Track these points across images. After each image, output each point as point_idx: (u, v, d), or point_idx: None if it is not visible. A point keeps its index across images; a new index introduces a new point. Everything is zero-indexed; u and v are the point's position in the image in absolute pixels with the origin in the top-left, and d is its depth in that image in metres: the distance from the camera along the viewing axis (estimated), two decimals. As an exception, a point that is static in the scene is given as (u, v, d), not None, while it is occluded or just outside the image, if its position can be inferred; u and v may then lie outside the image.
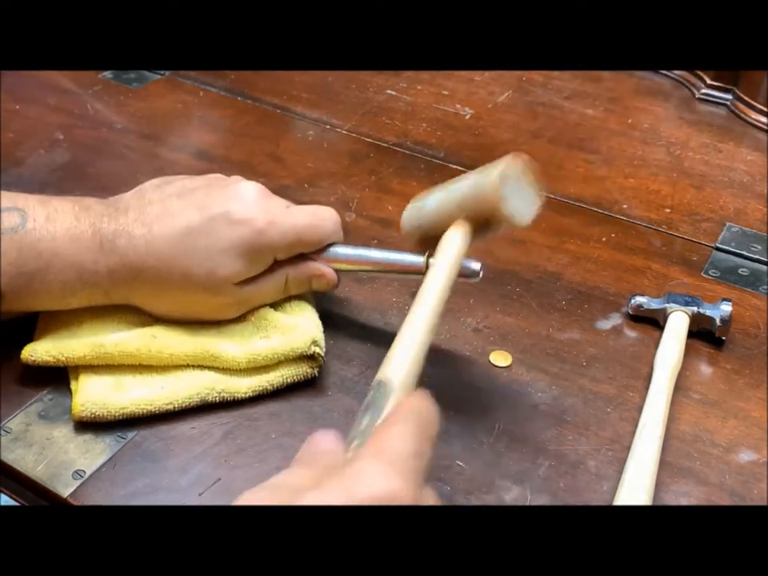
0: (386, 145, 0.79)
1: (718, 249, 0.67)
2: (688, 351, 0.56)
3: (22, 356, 0.50)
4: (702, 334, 0.58)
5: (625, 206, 0.72)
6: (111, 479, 0.47)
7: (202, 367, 0.52)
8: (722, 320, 0.56)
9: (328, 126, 0.83)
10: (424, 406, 0.35)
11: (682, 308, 0.57)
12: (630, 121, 0.85)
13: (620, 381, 0.54)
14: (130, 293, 0.52)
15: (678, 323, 0.57)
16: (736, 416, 0.52)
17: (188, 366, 0.51)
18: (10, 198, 0.50)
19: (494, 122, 0.84)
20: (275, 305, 0.55)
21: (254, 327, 0.53)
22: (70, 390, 0.51)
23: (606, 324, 0.59)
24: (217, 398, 0.51)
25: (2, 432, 0.49)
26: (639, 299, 0.59)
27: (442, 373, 0.54)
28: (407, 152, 0.78)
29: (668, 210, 0.72)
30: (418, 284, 0.46)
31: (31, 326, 0.54)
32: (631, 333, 0.58)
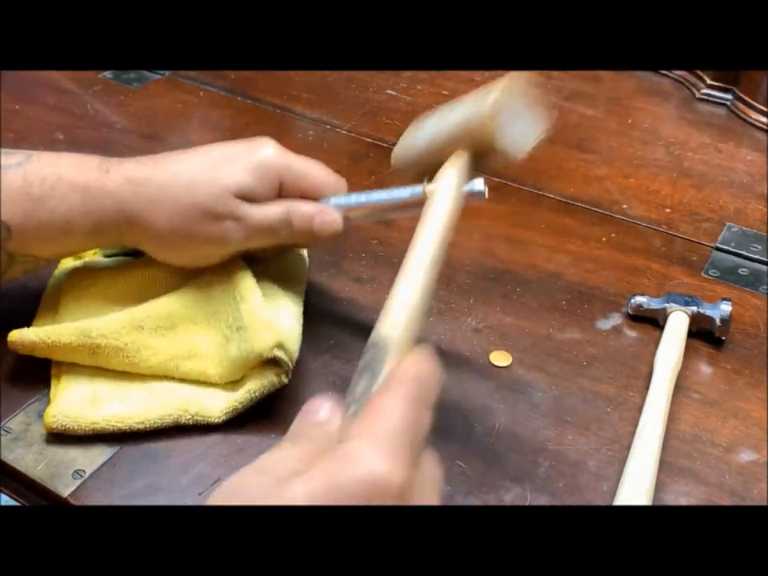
0: (386, 145, 0.79)
1: (718, 249, 0.67)
2: (688, 351, 0.56)
3: (9, 337, 0.51)
4: (702, 333, 0.58)
5: (625, 206, 0.72)
6: (111, 479, 0.47)
7: (177, 380, 0.51)
8: (722, 320, 0.56)
9: (328, 126, 0.83)
10: (422, 367, 0.33)
11: (682, 308, 0.57)
12: (629, 121, 0.85)
13: (620, 381, 0.54)
14: (132, 216, 0.51)
15: (677, 323, 0.57)
16: (736, 416, 0.52)
17: (165, 376, 0.51)
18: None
19: (493, 122, 0.84)
20: (264, 288, 0.53)
21: (236, 307, 0.51)
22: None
23: (605, 324, 0.59)
24: (190, 422, 0.50)
25: (2, 432, 0.49)
26: (639, 299, 0.59)
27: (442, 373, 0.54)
28: (407, 152, 0.78)
29: (668, 210, 0.72)
30: None
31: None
32: (631, 333, 0.58)
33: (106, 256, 0.59)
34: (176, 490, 0.46)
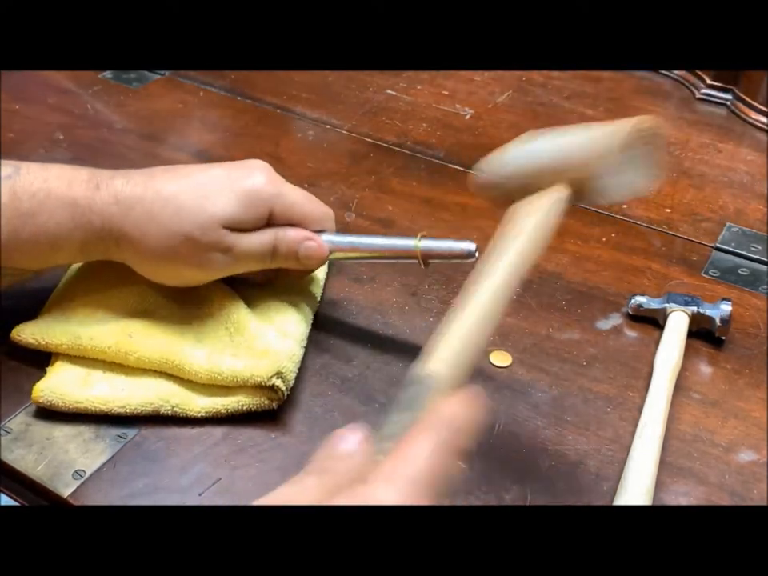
0: (385, 145, 0.79)
1: (717, 249, 0.67)
2: (688, 351, 0.56)
3: (11, 335, 0.52)
4: (702, 333, 0.58)
5: (625, 206, 0.72)
6: (111, 479, 0.47)
7: (167, 375, 0.51)
8: (722, 320, 0.56)
9: (328, 126, 0.83)
10: (461, 412, 0.32)
11: (682, 308, 0.57)
12: (629, 121, 0.85)
13: (620, 381, 0.54)
14: (120, 236, 0.51)
15: (677, 323, 0.57)
16: (736, 416, 0.52)
17: (153, 371, 0.51)
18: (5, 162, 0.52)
19: (493, 122, 0.84)
20: (263, 314, 0.54)
21: (229, 339, 0.52)
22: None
23: (605, 324, 0.59)
24: (169, 412, 0.50)
25: (2, 432, 0.49)
26: (639, 299, 0.59)
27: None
28: (407, 152, 0.78)
29: (668, 210, 0.72)
30: (420, 271, 0.42)
31: (31, 325, 0.54)
32: (631, 333, 0.58)
33: None
34: (176, 490, 0.46)
